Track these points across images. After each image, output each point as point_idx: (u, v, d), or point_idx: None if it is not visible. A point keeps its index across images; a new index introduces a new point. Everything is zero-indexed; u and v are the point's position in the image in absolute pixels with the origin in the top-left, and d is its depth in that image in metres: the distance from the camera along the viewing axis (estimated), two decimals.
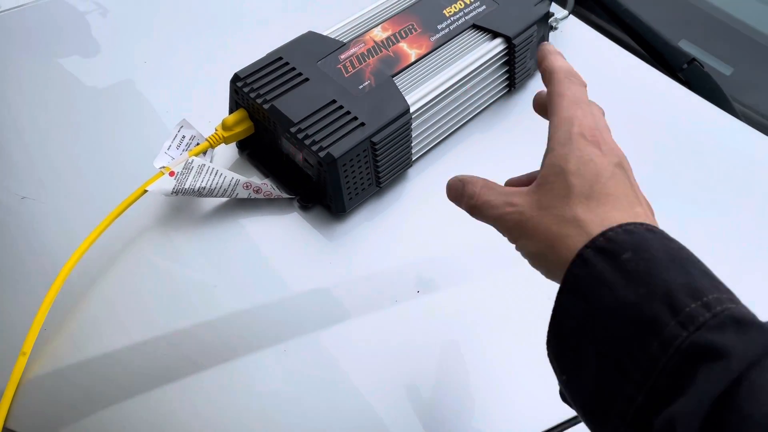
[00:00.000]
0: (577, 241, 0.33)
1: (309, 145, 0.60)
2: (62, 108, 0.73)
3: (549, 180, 0.36)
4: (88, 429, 0.57)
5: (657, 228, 0.34)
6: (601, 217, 0.33)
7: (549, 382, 0.54)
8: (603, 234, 0.33)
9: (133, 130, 0.71)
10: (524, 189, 0.38)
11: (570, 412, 0.55)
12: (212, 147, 0.65)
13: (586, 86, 0.40)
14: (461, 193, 0.41)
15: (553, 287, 0.62)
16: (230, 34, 0.80)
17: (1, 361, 0.58)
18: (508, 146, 0.73)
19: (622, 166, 0.36)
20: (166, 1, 0.85)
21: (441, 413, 0.55)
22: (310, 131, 0.61)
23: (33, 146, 0.69)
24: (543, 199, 0.36)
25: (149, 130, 0.70)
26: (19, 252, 0.63)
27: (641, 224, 0.33)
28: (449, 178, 0.45)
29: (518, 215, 0.37)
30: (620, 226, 0.33)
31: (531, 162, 0.71)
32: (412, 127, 0.65)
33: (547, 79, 0.41)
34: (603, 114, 0.41)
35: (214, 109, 0.70)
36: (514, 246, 0.39)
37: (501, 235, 0.42)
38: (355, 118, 0.62)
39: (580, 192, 0.34)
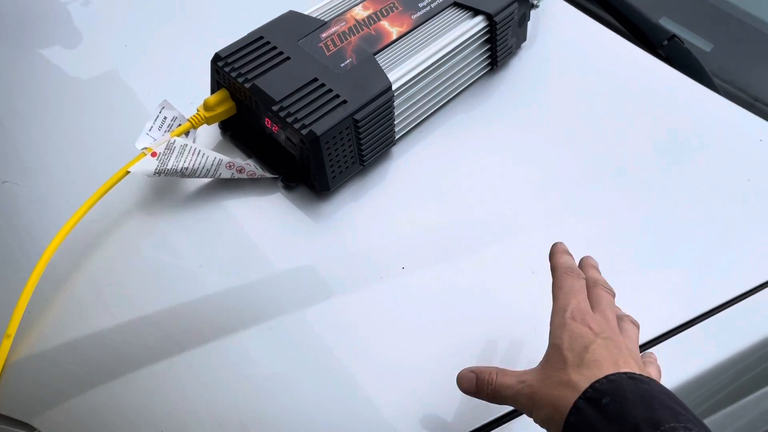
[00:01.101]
0: (571, 398, 0.41)
1: (291, 123, 0.60)
2: (42, 93, 0.72)
3: (550, 357, 0.44)
4: (75, 411, 0.57)
5: (637, 374, 0.41)
6: (589, 377, 0.41)
7: (531, 358, 0.55)
8: (591, 386, 0.41)
9: (114, 113, 0.70)
10: (533, 368, 0.46)
11: None
12: (194, 127, 0.65)
13: (584, 278, 0.49)
14: (477, 384, 0.47)
15: (537, 261, 0.62)
16: (211, 15, 0.80)
17: None
18: (491, 125, 0.73)
19: (610, 338, 0.44)
20: None
21: (426, 388, 0.55)
22: (292, 109, 0.61)
23: (13, 131, 0.69)
24: (546, 373, 0.44)
25: (131, 113, 0.70)
26: (1, 236, 0.63)
27: (624, 373, 0.41)
28: (459, 371, 0.49)
29: (529, 389, 0.44)
30: (606, 377, 0.41)
31: (514, 139, 0.72)
32: (395, 104, 0.65)
33: (552, 273, 0.50)
34: (614, 296, 0.49)
35: (196, 89, 0.70)
36: (532, 419, 0.44)
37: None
38: (337, 96, 0.62)
39: (573, 362, 0.42)
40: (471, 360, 0.57)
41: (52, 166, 0.66)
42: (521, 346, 0.58)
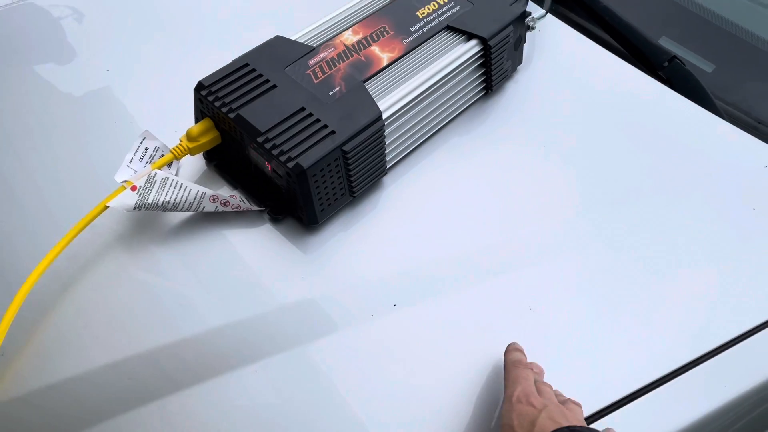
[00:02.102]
0: None
1: (277, 155, 0.57)
2: (19, 120, 0.70)
3: None
4: None
5: (576, 426, 0.47)
6: None
7: None
8: None
9: (94, 142, 0.68)
10: None
11: None
12: (177, 159, 0.62)
13: (530, 369, 0.53)
14: None
15: (533, 297, 0.60)
16: (196, 40, 0.78)
17: None
18: (486, 151, 0.70)
19: (553, 411, 0.49)
20: (131, 9, 0.82)
21: (417, 425, 0.53)
22: (278, 141, 0.58)
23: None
24: None
25: (112, 142, 0.67)
26: None
27: (566, 427, 0.47)
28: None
29: None
30: None
31: (509, 165, 0.69)
32: (386, 134, 0.62)
33: (504, 368, 0.54)
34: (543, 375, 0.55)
35: (180, 117, 0.68)
36: None
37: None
38: (325, 126, 0.59)
39: None
40: (465, 398, 0.54)
41: (29, 198, 0.64)
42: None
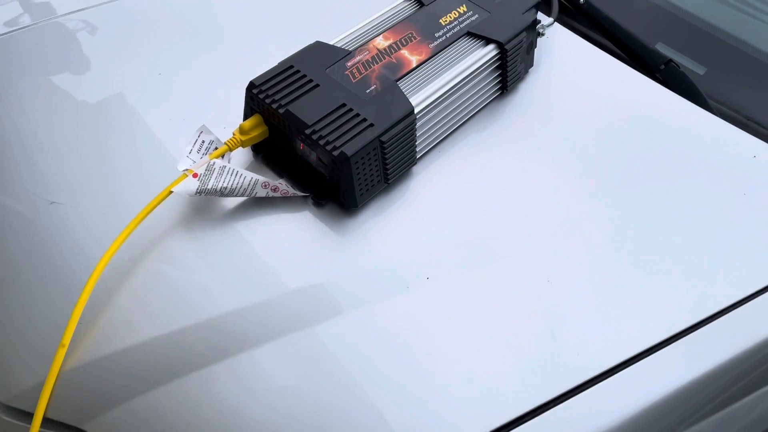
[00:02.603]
0: None
1: (323, 145, 0.65)
2: (87, 118, 0.77)
3: None
4: (123, 416, 0.61)
5: None
6: None
7: (548, 363, 0.60)
8: None
9: (156, 136, 0.75)
10: None
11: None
12: (231, 150, 0.70)
13: None
14: None
15: (551, 270, 0.67)
16: (237, 46, 0.85)
17: (42, 354, 0.62)
18: (503, 145, 0.78)
19: None
20: (178, 18, 0.90)
21: (448, 388, 0.60)
22: (323, 132, 0.66)
23: (60, 154, 0.73)
24: None
25: (171, 136, 0.74)
26: (51, 254, 0.67)
27: None
28: None
29: None
30: None
31: (522, 159, 0.77)
32: (417, 126, 0.70)
33: None
34: None
35: (226, 116, 0.75)
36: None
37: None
38: (365, 120, 0.67)
39: None
40: (491, 361, 0.61)
41: (97, 188, 0.71)
42: (538, 350, 0.63)
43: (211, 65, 0.83)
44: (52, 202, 0.69)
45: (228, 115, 0.75)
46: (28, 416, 0.63)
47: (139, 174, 0.72)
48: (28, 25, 0.87)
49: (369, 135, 0.66)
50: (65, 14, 0.88)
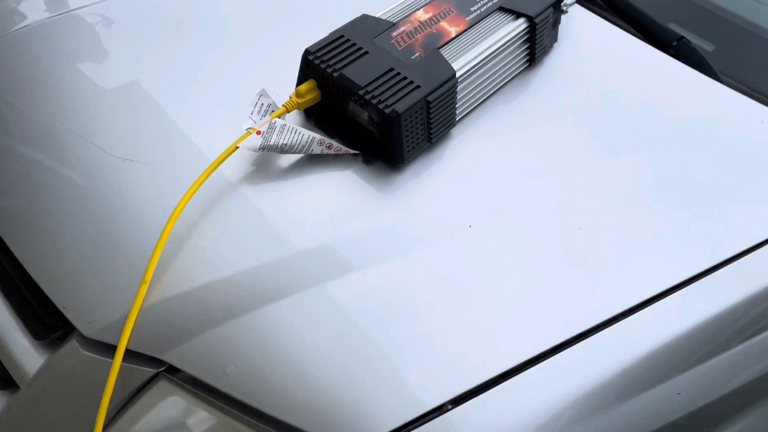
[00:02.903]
0: None
1: (376, 104, 0.72)
2: (156, 85, 0.84)
3: None
4: (200, 346, 0.67)
5: None
6: None
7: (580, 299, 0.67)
8: None
9: (215, 102, 0.82)
10: None
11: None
12: (288, 111, 0.76)
13: None
14: None
15: (582, 218, 0.74)
16: (289, 20, 0.92)
17: (125, 291, 0.68)
18: (532, 111, 0.85)
19: None
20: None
21: (492, 320, 0.66)
22: (375, 93, 0.72)
23: (135, 115, 0.80)
24: None
25: (227, 102, 0.81)
26: (129, 204, 0.73)
27: None
28: None
29: None
30: None
31: (551, 124, 0.83)
32: (457, 90, 0.77)
33: None
34: None
35: (280, 83, 0.81)
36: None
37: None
38: (412, 82, 0.74)
39: None
40: (529, 297, 0.68)
41: (168, 146, 0.77)
42: (574, 287, 0.69)
43: (265, 38, 0.90)
44: (125, 159, 0.75)
45: (280, 84, 0.82)
46: (109, 349, 0.70)
47: (204, 134, 0.78)
48: (93, 3, 0.94)
49: (417, 95, 0.72)
50: None
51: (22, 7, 0.99)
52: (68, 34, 0.92)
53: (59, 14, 0.96)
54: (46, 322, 0.75)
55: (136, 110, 0.81)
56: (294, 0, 0.96)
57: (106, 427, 0.70)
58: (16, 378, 0.78)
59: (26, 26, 0.95)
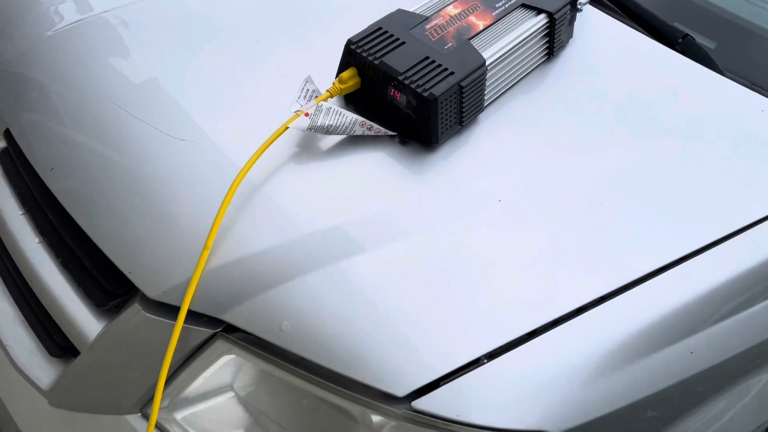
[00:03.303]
0: None
1: (414, 88, 0.79)
2: (206, 73, 0.90)
3: None
4: (252, 308, 0.73)
5: None
6: None
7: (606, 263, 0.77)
8: None
9: (268, 88, 0.88)
10: None
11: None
12: (331, 96, 0.83)
13: None
14: None
15: (602, 192, 0.80)
16: (326, 17, 0.99)
17: (188, 255, 0.74)
18: (551, 100, 0.92)
19: None
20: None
21: (518, 278, 0.73)
22: (413, 78, 0.79)
23: (192, 100, 0.86)
24: None
25: (278, 87, 0.88)
26: (189, 178, 0.80)
27: None
28: None
29: None
30: None
31: (568, 112, 0.91)
32: (486, 77, 0.84)
33: None
34: None
35: (321, 72, 0.88)
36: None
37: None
38: (446, 69, 0.81)
39: None
40: (554, 261, 0.75)
41: (221, 128, 0.84)
42: (594, 256, 0.76)
43: (304, 32, 0.97)
44: (183, 140, 0.82)
45: (321, 73, 0.89)
46: (171, 311, 0.76)
47: (253, 117, 0.85)
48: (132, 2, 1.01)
49: (451, 80, 0.80)
50: None
51: (63, 8, 1.05)
52: (121, 28, 0.98)
53: (108, 11, 1.02)
54: (108, 289, 0.81)
55: (190, 95, 0.87)
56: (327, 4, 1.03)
57: (165, 385, 0.76)
58: (76, 343, 0.84)
59: (70, 25, 1.01)
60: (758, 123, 0.92)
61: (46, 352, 0.90)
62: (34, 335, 0.92)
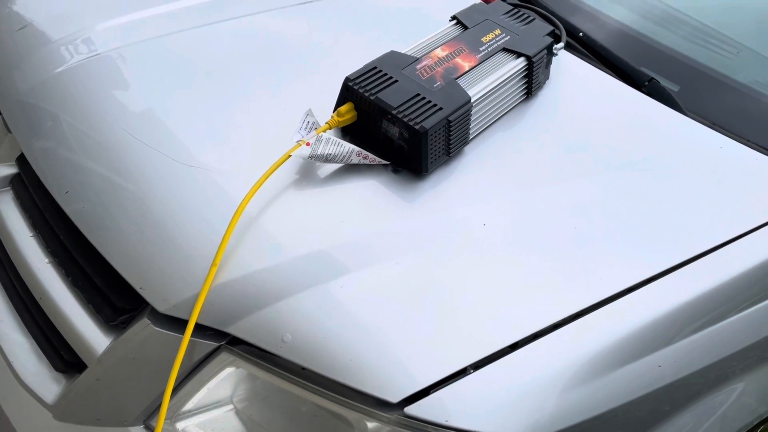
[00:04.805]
0: None
1: (407, 122, 0.86)
2: (212, 105, 0.97)
3: None
4: (255, 321, 0.79)
5: None
6: None
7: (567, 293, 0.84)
8: None
9: (271, 120, 0.96)
10: None
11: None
12: (330, 128, 0.90)
13: None
14: None
15: (578, 218, 0.88)
16: (323, 59, 1.08)
17: (196, 273, 0.80)
18: (528, 135, 1.01)
19: None
20: (276, 41, 1.12)
21: (507, 288, 0.80)
22: (406, 113, 0.87)
23: (201, 129, 0.93)
24: None
25: (280, 119, 0.95)
26: (197, 201, 0.86)
27: None
28: None
29: None
30: None
31: (544, 147, 0.99)
32: (471, 113, 0.92)
33: None
34: None
35: (318, 108, 0.96)
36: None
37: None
38: (435, 105, 0.89)
39: None
40: (533, 281, 0.81)
41: (227, 157, 0.90)
42: (569, 275, 0.83)
43: (302, 71, 1.05)
44: (191, 166, 0.88)
45: (318, 108, 0.96)
46: (179, 324, 0.81)
47: (257, 146, 0.92)
48: (169, 34, 1.08)
49: (440, 115, 0.88)
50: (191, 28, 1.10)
51: (71, 47, 1.12)
52: (128, 65, 1.05)
53: (113, 49, 1.09)
54: (118, 306, 0.86)
55: (197, 125, 0.94)
56: (321, 39, 1.12)
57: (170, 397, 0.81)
58: (84, 357, 0.88)
59: (79, 62, 1.08)
60: (717, 158, 1.01)
61: (50, 368, 0.94)
62: (39, 351, 0.96)
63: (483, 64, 0.98)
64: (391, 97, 0.89)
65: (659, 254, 0.87)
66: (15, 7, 1.18)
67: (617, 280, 0.84)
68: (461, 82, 0.94)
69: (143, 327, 0.83)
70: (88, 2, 1.17)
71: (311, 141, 0.87)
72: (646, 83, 1.13)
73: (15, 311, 1.01)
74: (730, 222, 0.93)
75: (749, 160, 1.03)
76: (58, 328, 0.92)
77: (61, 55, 1.09)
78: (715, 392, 0.96)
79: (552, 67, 1.10)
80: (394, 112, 0.87)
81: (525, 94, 1.04)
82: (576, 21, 1.22)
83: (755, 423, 1.11)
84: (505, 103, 1.00)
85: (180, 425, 0.84)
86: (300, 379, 0.78)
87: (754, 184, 0.99)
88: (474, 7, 1.09)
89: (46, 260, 0.96)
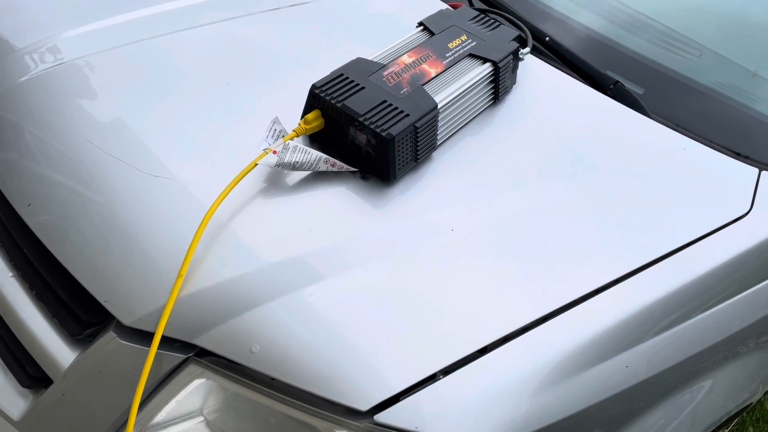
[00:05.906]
0: None
1: (373, 129, 0.86)
2: (178, 114, 0.96)
3: None
4: (223, 332, 0.78)
5: None
6: None
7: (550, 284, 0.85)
8: None
9: (238, 127, 0.95)
10: None
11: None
12: (297, 135, 0.90)
13: None
14: None
15: (543, 222, 0.89)
16: (293, 65, 1.07)
17: (162, 284, 0.79)
18: (495, 139, 1.01)
19: None
20: (248, 49, 1.11)
21: (477, 303, 0.80)
22: (373, 120, 0.87)
23: (165, 136, 0.92)
24: None
25: (248, 127, 0.95)
26: (163, 211, 0.85)
27: None
28: None
29: None
30: None
31: (511, 150, 1.00)
32: (438, 119, 0.92)
33: None
34: None
35: (285, 115, 0.95)
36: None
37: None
38: (402, 111, 0.89)
39: None
40: (501, 285, 0.82)
41: (192, 166, 0.89)
42: (537, 279, 0.84)
43: (270, 79, 1.04)
44: (156, 176, 0.87)
45: (285, 115, 0.96)
46: (145, 337, 0.80)
47: (223, 155, 0.91)
48: (136, 41, 1.07)
49: (407, 121, 0.88)
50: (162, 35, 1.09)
51: (36, 56, 1.10)
52: (93, 73, 1.04)
53: (79, 58, 1.08)
54: (83, 319, 0.85)
55: (161, 134, 0.93)
56: (290, 46, 1.11)
57: (137, 410, 0.80)
58: (50, 372, 0.86)
59: (44, 71, 1.06)
60: (681, 160, 1.03)
61: (16, 383, 0.92)
62: (5, 366, 0.94)
63: (449, 70, 0.98)
64: (358, 104, 0.89)
65: (626, 255, 0.88)
66: None
67: (585, 282, 0.85)
68: (428, 88, 0.94)
69: (109, 340, 0.82)
70: (54, 10, 1.16)
71: (278, 149, 0.86)
72: (612, 86, 1.15)
73: None
74: (695, 222, 0.94)
75: (713, 161, 1.04)
76: (22, 343, 0.90)
77: (25, 64, 1.07)
78: (686, 389, 0.98)
79: (519, 71, 1.11)
80: (360, 119, 0.87)
81: (492, 99, 1.05)
82: (542, 26, 1.24)
83: (724, 419, 1.13)
84: (472, 108, 1.01)
85: None
86: (269, 390, 0.77)
87: (718, 184, 1.01)
88: (441, 13, 1.10)
89: (10, 274, 0.94)
